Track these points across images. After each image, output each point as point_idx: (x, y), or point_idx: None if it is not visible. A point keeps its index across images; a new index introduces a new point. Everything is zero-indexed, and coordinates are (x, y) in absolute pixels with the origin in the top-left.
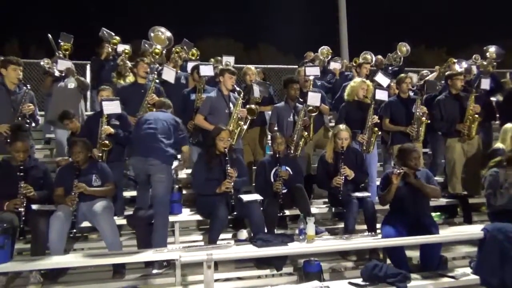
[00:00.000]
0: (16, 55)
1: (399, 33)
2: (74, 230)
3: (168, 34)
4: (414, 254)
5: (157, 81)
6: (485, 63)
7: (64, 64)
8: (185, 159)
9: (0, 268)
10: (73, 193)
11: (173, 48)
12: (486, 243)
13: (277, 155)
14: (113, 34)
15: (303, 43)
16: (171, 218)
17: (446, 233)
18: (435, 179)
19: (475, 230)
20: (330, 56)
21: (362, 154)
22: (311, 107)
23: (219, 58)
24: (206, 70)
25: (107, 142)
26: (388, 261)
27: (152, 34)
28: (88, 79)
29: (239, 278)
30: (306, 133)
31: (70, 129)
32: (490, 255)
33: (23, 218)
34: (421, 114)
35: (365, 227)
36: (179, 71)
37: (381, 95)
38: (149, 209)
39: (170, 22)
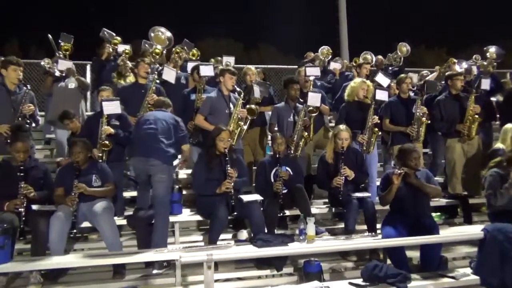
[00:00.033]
0: (16, 55)
1: (399, 33)
2: (74, 231)
3: (168, 34)
4: (414, 255)
5: (158, 81)
6: (485, 63)
7: (64, 64)
8: (186, 158)
9: (1, 268)
10: (73, 194)
11: (173, 49)
12: (486, 244)
13: (277, 156)
14: (114, 34)
15: (303, 43)
16: (171, 219)
17: (446, 233)
18: (435, 179)
19: (475, 230)
20: (330, 56)
21: (362, 155)
22: (311, 108)
23: (219, 58)
24: (206, 70)
25: (107, 142)
26: (388, 262)
27: (152, 34)
28: (88, 79)
29: (239, 279)
30: (306, 134)
31: (70, 129)
32: (490, 256)
33: (23, 218)
34: (421, 114)
35: (365, 227)
36: (179, 71)
37: (381, 95)
38: (149, 209)
39: (170, 22)
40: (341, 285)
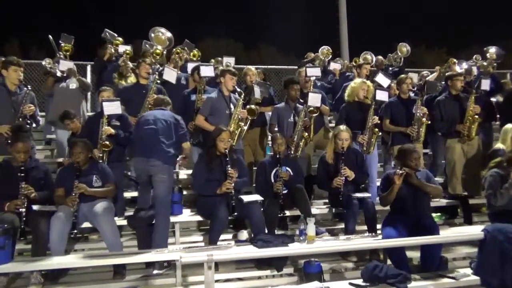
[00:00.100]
0: (16, 55)
1: (399, 33)
2: (75, 231)
3: (169, 34)
4: (415, 255)
5: (158, 81)
6: (485, 63)
7: (66, 65)
8: (186, 155)
9: (1, 268)
10: (73, 194)
11: (174, 49)
12: (486, 244)
13: (278, 156)
14: (116, 35)
15: (303, 43)
16: (172, 219)
17: (447, 233)
18: (435, 180)
19: (476, 230)
20: (330, 56)
21: (363, 155)
22: (311, 108)
23: (219, 58)
24: (207, 71)
25: (107, 142)
26: (389, 262)
27: (152, 35)
28: (88, 80)
29: (240, 279)
30: (306, 134)
31: (71, 129)
32: (491, 256)
33: (24, 218)
34: (421, 114)
35: (365, 227)
36: (179, 72)
37: (382, 96)
38: (149, 209)
39: (170, 22)
40: (341, 285)
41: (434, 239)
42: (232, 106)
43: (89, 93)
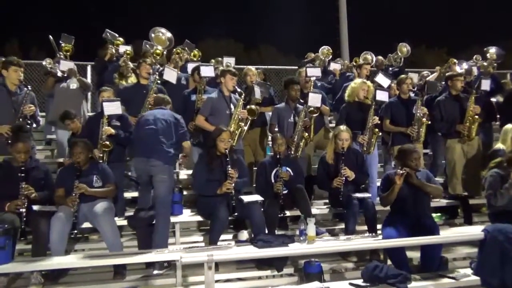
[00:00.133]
0: (16, 55)
1: (399, 33)
2: (75, 231)
3: (169, 34)
4: (415, 255)
5: (159, 81)
6: (485, 64)
7: (66, 65)
8: (186, 154)
9: (1, 269)
10: (73, 194)
11: (174, 49)
12: (486, 244)
13: (278, 156)
14: (116, 35)
15: (303, 43)
16: (172, 219)
17: (447, 234)
18: (435, 180)
19: (476, 231)
20: (330, 56)
21: (363, 155)
22: (311, 108)
23: (219, 59)
24: (207, 71)
25: (107, 143)
26: (389, 262)
27: (152, 35)
28: (89, 80)
29: (240, 279)
30: (306, 134)
31: (71, 129)
32: (491, 256)
33: (24, 219)
34: (421, 115)
35: (365, 228)
36: (179, 72)
37: (382, 96)
38: (149, 210)
39: (170, 22)
40: (341, 285)
41: (434, 239)
42: (232, 106)
43: (89, 93)
